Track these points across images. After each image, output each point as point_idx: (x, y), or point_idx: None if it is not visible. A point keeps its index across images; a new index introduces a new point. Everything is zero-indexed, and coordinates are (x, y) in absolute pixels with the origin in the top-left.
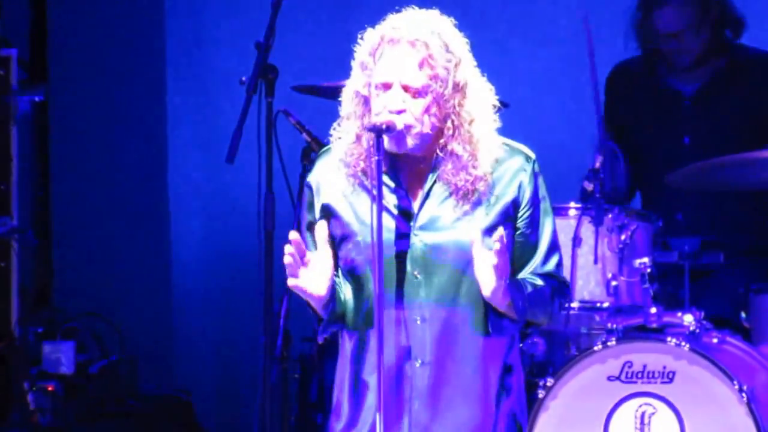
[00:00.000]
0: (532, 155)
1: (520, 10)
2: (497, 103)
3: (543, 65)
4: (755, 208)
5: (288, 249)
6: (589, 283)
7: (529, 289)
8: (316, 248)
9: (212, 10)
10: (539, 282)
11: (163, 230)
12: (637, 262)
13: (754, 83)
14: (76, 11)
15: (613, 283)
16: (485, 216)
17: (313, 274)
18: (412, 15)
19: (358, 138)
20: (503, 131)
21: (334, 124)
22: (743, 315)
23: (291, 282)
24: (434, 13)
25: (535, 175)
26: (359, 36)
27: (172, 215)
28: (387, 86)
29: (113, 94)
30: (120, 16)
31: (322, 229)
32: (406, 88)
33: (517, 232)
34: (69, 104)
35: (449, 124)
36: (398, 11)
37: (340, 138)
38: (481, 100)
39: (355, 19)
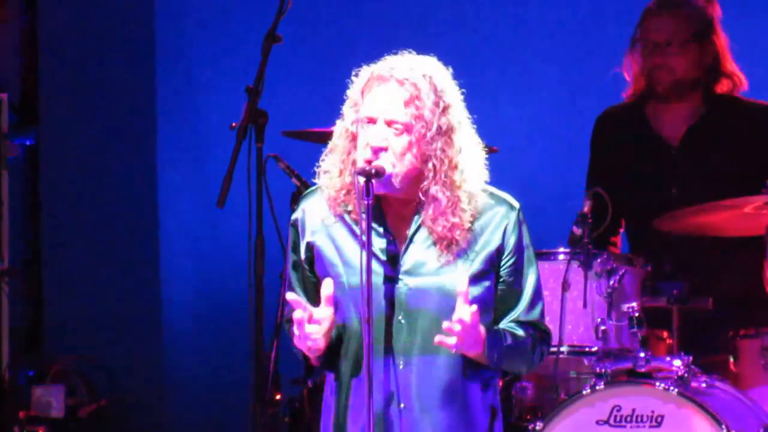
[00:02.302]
0: (516, 204)
1: (509, 57)
2: (485, 155)
3: (531, 111)
4: (743, 253)
5: (297, 315)
6: (578, 328)
7: (509, 340)
8: (301, 287)
9: (203, 55)
10: (520, 333)
11: (153, 274)
12: (626, 306)
13: (748, 132)
14: (67, 56)
15: (602, 327)
16: (470, 264)
17: (317, 328)
18: (407, 57)
19: (341, 173)
20: (492, 175)
21: (322, 156)
22: (732, 359)
23: (297, 342)
24: (431, 60)
25: (519, 224)
26: (353, 73)
27: (163, 258)
28: (372, 121)
29: (104, 138)
30: (110, 61)
31: (327, 287)
32: (389, 124)
33: (500, 280)
34: (59, 148)
35: (430, 166)
36: (388, 56)
37: (324, 171)
38: (467, 149)
39: (345, 64)
